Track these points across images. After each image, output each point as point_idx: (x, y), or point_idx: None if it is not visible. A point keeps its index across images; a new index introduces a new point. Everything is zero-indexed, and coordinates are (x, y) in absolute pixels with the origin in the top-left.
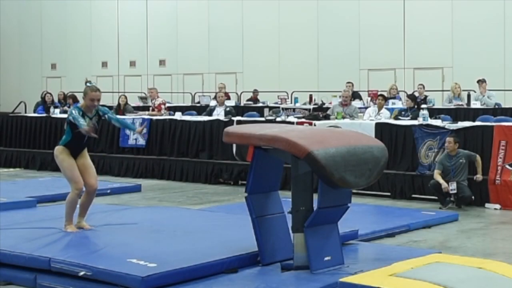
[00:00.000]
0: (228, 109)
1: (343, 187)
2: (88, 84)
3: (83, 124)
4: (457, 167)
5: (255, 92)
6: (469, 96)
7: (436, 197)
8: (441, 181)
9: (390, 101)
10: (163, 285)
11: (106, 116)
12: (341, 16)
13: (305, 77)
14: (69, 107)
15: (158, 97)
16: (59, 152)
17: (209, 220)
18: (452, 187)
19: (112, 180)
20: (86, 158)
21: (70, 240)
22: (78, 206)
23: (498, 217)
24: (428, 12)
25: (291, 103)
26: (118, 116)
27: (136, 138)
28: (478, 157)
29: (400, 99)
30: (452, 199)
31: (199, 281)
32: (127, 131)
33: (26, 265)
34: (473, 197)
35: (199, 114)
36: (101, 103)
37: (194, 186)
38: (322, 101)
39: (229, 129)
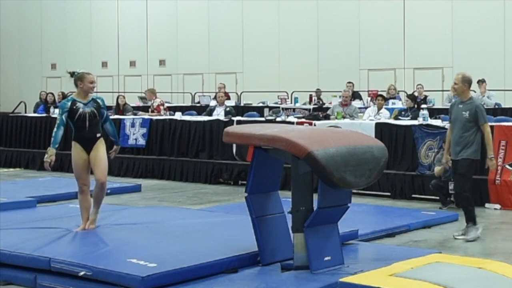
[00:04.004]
0: (228, 109)
1: (343, 187)
2: (76, 72)
3: (52, 145)
4: None
5: (318, 91)
6: None
7: (436, 197)
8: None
9: (390, 101)
10: (163, 285)
11: (104, 113)
12: (341, 16)
13: (305, 77)
14: None
15: (156, 97)
16: (72, 147)
17: (209, 220)
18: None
19: (112, 180)
20: (98, 151)
21: (70, 240)
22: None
23: (498, 217)
24: (428, 12)
25: (291, 103)
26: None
27: (136, 138)
28: None
29: (400, 99)
30: (452, 199)
31: (199, 281)
32: (127, 131)
33: (26, 265)
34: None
35: (199, 114)
36: None
37: (194, 186)
38: (322, 101)
39: (229, 129)
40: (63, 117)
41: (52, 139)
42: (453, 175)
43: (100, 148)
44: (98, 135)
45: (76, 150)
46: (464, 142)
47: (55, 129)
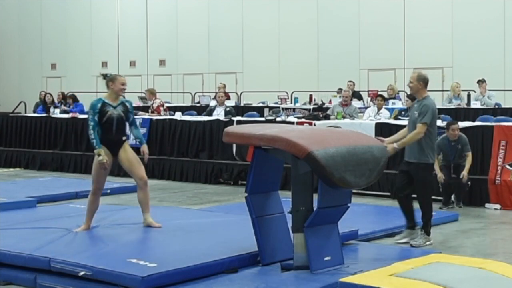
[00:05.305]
0: (228, 109)
1: (343, 187)
2: (109, 74)
3: (98, 146)
4: (456, 152)
5: (339, 91)
6: (469, 96)
7: (436, 197)
8: (439, 173)
9: (390, 101)
10: (163, 285)
11: (131, 117)
12: (341, 16)
13: (305, 77)
14: (69, 106)
15: (156, 98)
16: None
17: (209, 220)
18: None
19: (112, 180)
20: (127, 152)
21: (70, 240)
22: (139, 203)
23: (498, 217)
24: (428, 12)
25: (291, 103)
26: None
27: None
28: (470, 155)
29: (400, 99)
30: (453, 199)
31: (199, 281)
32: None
33: (26, 265)
34: (469, 183)
35: (199, 114)
36: None
37: (194, 186)
38: (322, 101)
39: (229, 129)
40: (96, 118)
41: (94, 141)
42: (400, 172)
43: (129, 149)
44: (124, 138)
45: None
46: (415, 142)
47: (91, 131)
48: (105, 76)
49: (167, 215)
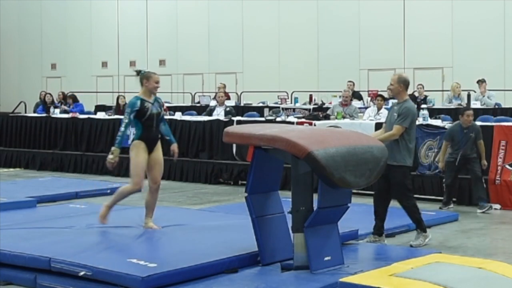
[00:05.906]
0: (228, 109)
1: (343, 187)
2: (143, 71)
3: (118, 145)
4: (467, 140)
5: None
6: (469, 96)
7: (436, 197)
8: (441, 163)
9: (390, 101)
10: (163, 285)
11: (162, 112)
12: (341, 16)
13: (305, 77)
14: (69, 106)
15: None
16: (134, 146)
17: (209, 220)
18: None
19: (112, 180)
20: (159, 152)
21: (70, 240)
22: (145, 206)
23: (498, 217)
24: (428, 12)
25: (291, 103)
26: None
27: None
28: (482, 143)
29: None
30: (454, 199)
31: (199, 281)
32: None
33: (26, 265)
34: (486, 165)
35: (199, 114)
36: (100, 103)
37: (194, 186)
38: (322, 101)
39: (229, 129)
40: (132, 116)
41: (119, 138)
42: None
43: (160, 150)
44: (159, 135)
45: (141, 150)
46: (392, 144)
47: (122, 129)
48: (138, 72)
49: (167, 215)
